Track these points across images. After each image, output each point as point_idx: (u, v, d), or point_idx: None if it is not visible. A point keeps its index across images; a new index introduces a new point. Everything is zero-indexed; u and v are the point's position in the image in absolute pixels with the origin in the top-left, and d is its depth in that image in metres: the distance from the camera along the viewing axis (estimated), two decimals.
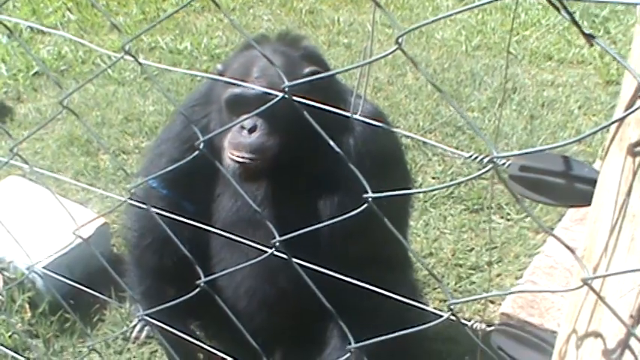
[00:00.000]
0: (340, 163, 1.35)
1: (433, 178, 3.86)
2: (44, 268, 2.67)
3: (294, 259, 1.48)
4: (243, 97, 2.14)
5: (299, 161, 2.22)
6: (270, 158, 2.17)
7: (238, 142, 2.14)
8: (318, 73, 2.15)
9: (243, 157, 2.14)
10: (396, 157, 2.46)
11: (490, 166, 1.03)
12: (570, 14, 0.88)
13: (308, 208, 2.27)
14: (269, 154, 2.16)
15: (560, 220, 3.29)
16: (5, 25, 1.56)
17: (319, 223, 1.49)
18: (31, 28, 5.37)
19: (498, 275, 3.26)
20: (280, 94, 1.30)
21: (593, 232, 1.08)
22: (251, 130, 2.13)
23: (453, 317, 1.22)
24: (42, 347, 2.85)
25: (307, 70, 2.21)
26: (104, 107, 4.47)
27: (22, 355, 2.73)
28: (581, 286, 0.99)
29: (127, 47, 1.31)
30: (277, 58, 2.18)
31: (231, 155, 2.15)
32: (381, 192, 1.26)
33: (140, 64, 1.34)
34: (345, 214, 1.35)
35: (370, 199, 1.24)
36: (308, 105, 1.31)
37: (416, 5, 5.99)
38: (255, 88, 2.05)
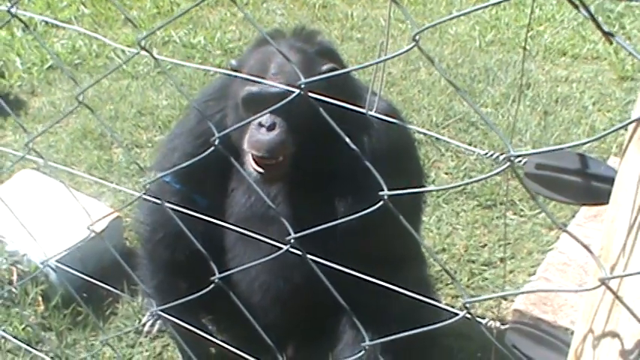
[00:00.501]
0: (356, 159, 1.35)
1: (446, 173, 3.85)
2: (57, 261, 2.67)
3: (309, 256, 1.47)
4: (261, 95, 2.14)
5: (316, 158, 2.21)
6: (288, 156, 2.18)
7: (257, 139, 2.14)
8: (335, 69, 2.15)
9: (263, 159, 2.15)
10: (409, 153, 2.46)
11: (507, 164, 1.03)
12: (590, 12, 0.87)
13: (323, 205, 2.27)
14: (288, 152, 2.17)
15: (573, 216, 3.27)
16: (20, 19, 1.56)
17: (334, 219, 1.49)
18: (46, 22, 5.38)
19: (511, 272, 3.25)
20: (297, 91, 1.30)
21: (610, 232, 1.07)
22: (270, 128, 2.14)
23: (468, 315, 1.21)
24: (55, 340, 2.86)
25: (325, 67, 2.20)
26: (118, 101, 4.48)
27: (35, 348, 2.75)
28: (599, 286, 0.98)
29: (142, 43, 1.31)
30: (294, 55, 2.17)
31: (254, 164, 2.16)
32: (395, 188, 1.25)
33: (155, 59, 1.34)
34: (359, 211, 1.34)
35: (386, 197, 1.23)
36: (324, 102, 1.30)
37: (429, 0, 5.97)
38: (271, 84, 2.04)
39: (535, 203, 3.49)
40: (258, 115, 1.88)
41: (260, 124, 2.14)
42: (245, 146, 2.18)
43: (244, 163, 2.21)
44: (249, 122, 2.14)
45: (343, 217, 1.44)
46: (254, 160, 2.18)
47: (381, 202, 1.24)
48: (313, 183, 2.29)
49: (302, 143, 2.17)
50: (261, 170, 2.17)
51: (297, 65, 2.11)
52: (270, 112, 2.11)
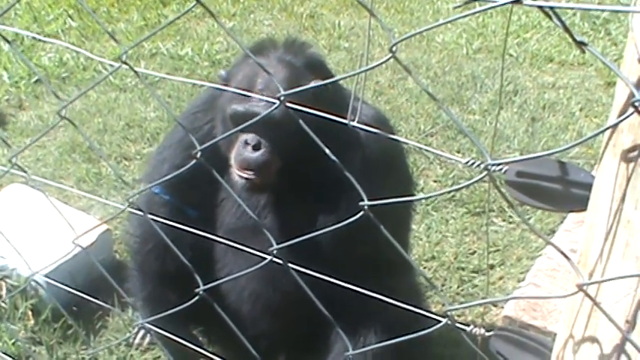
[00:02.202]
0: (345, 168, 1.36)
1: (435, 181, 3.86)
2: (47, 275, 2.67)
3: (293, 266, 1.48)
4: (246, 115, 2.14)
5: (304, 169, 2.22)
6: (275, 172, 2.19)
7: (243, 158, 2.16)
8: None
9: (249, 174, 2.17)
10: (399, 161, 2.47)
11: (484, 173, 1.04)
12: (562, 21, 0.89)
13: (312, 214, 2.28)
14: (274, 169, 2.19)
15: (562, 222, 3.29)
16: (4, 37, 1.57)
17: (322, 228, 1.50)
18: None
19: (501, 278, 3.26)
20: (281, 106, 1.30)
21: (588, 238, 1.08)
22: (255, 147, 2.15)
23: (455, 322, 1.22)
24: (45, 354, 2.85)
25: (312, 83, 2.21)
26: (106, 114, 4.48)
27: None
28: (576, 292, 0.99)
29: (123, 57, 1.32)
30: (282, 69, 2.18)
31: (239, 171, 2.17)
32: (385, 197, 1.26)
33: (136, 73, 1.35)
34: (342, 220, 1.35)
35: (366, 207, 1.24)
36: (306, 112, 1.31)
37: (416, 9, 5.99)
38: (258, 97, 2.05)
39: (523, 209, 3.52)
40: (240, 127, 1.89)
41: (246, 142, 2.16)
42: (232, 161, 2.19)
43: (231, 173, 2.22)
44: (236, 137, 2.16)
45: (332, 225, 1.45)
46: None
47: (361, 213, 1.25)
48: (303, 191, 2.30)
49: (289, 159, 2.19)
50: (246, 176, 2.18)
51: (284, 80, 2.13)
52: (255, 133, 2.14)
